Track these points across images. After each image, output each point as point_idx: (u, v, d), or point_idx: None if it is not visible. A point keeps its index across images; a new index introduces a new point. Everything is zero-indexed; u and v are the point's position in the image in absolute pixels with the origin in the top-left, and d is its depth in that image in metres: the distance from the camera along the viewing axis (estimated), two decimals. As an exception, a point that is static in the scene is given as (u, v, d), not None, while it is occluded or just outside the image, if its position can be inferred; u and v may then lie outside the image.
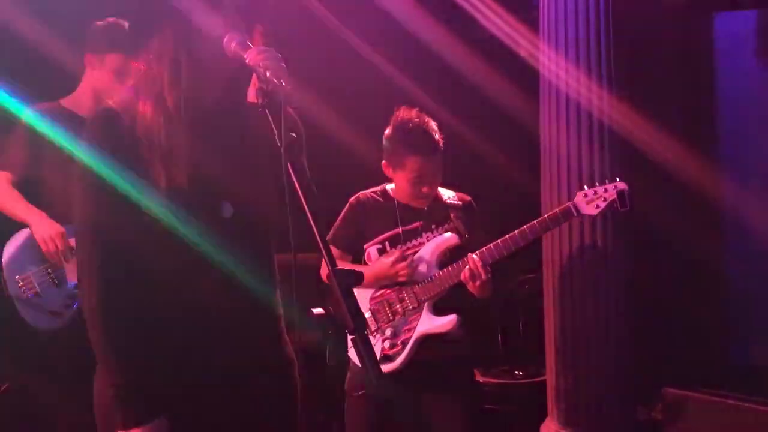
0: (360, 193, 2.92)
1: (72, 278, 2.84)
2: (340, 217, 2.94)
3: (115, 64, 2.92)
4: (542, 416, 3.68)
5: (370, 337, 2.76)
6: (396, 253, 2.77)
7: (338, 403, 2.92)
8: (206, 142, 1.66)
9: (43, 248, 2.77)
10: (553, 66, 3.56)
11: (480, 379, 4.25)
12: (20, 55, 3.61)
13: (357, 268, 2.81)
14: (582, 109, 3.49)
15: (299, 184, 1.41)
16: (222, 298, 1.65)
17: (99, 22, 2.97)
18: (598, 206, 2.64)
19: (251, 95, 1.59)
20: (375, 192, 2.92)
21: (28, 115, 2.90)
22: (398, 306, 2.81)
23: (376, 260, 2.83)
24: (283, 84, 1.44)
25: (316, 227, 1.38)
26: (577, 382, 3.48)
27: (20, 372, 3.21)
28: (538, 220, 2.68)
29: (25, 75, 3.51)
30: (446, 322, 2.74)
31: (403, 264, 2.75)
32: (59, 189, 2.81)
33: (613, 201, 2.63)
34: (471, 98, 5.02)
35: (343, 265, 2.81)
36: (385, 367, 2.76)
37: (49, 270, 2.83)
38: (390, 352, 2.78)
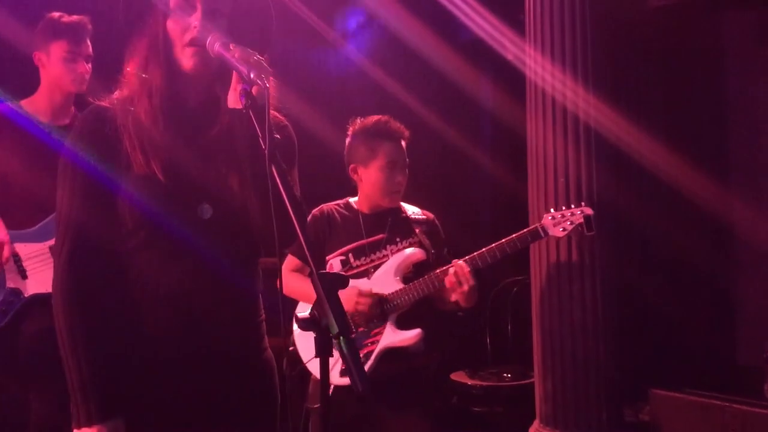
0: (323, 205, 2.92)
1: (10, 284, 2.83)
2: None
3: (61, 53, 2.90)
4: (530, 418, 3.68)
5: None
6: (366, 289, 2.73)
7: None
8: (188, 141, 1.67)
9: None
10: (540, 69, 3.57)
11: (468, 381, 4.25)
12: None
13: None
14: (568, 112, 3.50)
15: (282, 186, 1.40)
16: (196, 299, 1.63)
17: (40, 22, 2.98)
18: (564, 229, 2.71)
19: (231, 101, 1.59)
20: (338, 204, 2.92)
21: None
22: (361, 317, 2.76)
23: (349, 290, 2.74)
24: (267, 85, 1.43)
25: (299, 229, 1.37)
26: (565, 384, 3.49)
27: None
28: (507, 239, 2.70)
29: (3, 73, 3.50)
30: (411, 336, 2.73)
31: (368, 301, 2.71)
32: (11, 192, 2.84)
33: (579, 225, 2.71)
34: (458, 101, 5.03)
35: (298, 274, 2.85)
36: (347, 380, 2.70)
37: None
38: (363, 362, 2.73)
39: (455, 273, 2.62)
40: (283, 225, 1.39)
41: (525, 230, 2.73)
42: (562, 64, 3.51)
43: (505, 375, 4.29)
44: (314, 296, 2.71)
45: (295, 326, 2.89)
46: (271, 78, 1.50)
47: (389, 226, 2.83)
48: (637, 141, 3.99)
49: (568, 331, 3.48)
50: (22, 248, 2.84)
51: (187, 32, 1.62)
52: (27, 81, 3.07)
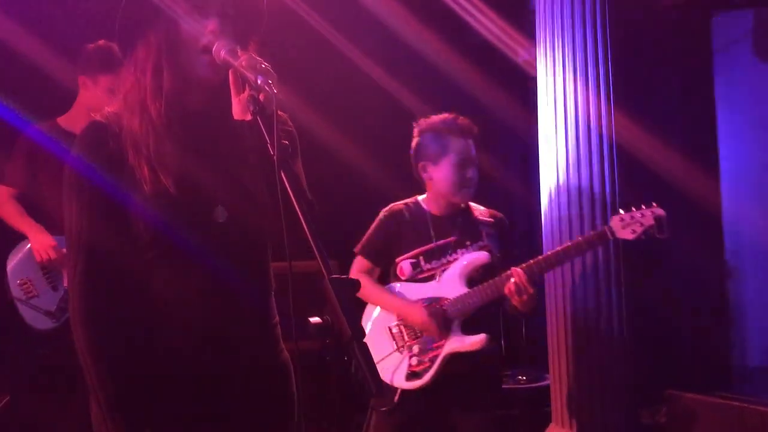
0: (392, 204, 2.92)
1: (67, 282, 2.92)
2: (371, 228, 2.93)
3: (107, 84, 3.08)
4: (545, 421, 3.66)
5: (397, 354, 2.79)
6: (438, 312, 2.73)
7: (336, 411, 2.92)
8: (196, 148, 1.65)
9: (37, 258, 3.10)
10: (550, 74, 3.54)
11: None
12: (20, 73, 3.68)
13: (387, 297, 2.83)
14: (579, 117, 3.46)
15: (293, 191, 1.40)
16: (215, 306, 1.63)
17: (90, 46, 3.16)
18: (634, 231, 2.62)
19: (236, 110, 1.57)
20: (407, 203, 2.91)
21: (27, 133, 3.18)
22: None
23: (411, 302, 2.79)
24: (275, 91, 1.43)
25: (310, 234, 1.37)
26: (580, 386, 3.46)
27: (20, 384, 3.30)
28: (573, 242, 2.68)
29: (25, 93, 3.59)
30: (476, 341, 2.72)
31: (435, 324, 2.71)
32: (55, 203, 2.87)
33: (650, 227, 2.61)
34: (468, 108, 5.01)
35: (368, 277, 2.86)
36: (413, 384, 2.73)
37: (47, 275, 3.15)
38: (418, 369, 2.75)
39: (515, 282, 2.61)
40: (293, 229, 1.39)
41: (592, 233, 2.68)
42: (573, 69, 3.48)
43: (519, 377, 4.26)
44: (384, 301, 2.84)
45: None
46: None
47: (459, 229, 2.83)
48: (650, 146, 3.94)
49: (583, 332, 3.46)
50: None
51: (202, 38, 1.59)
52: (49, 101, 3.20)
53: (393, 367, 2.76)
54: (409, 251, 2.83)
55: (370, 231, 2.93)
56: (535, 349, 4.13)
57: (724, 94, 4.47)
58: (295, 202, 1.39)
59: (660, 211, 2.62)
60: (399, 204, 2.91)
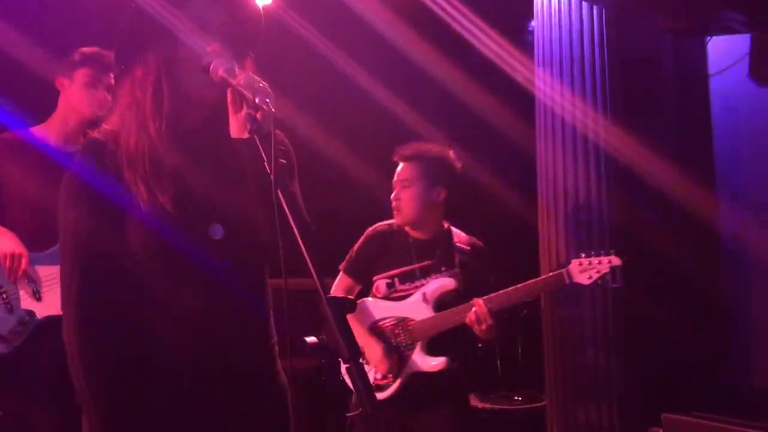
0: (377, 224, 3.02)
1: (25, 305, 2.85)
2: (355, 246, 3.03)
3: (84, 79, 2.97)
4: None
5: (365, 365, 2.88)
6: (393, 351, 2.87)
7: (331, 429, 2.95)
8: (193, 165, 1.65)
9: (4, 264, 2.77)
10: (549, 90, 3.57)
11: (478, 404, 4.21)
12: (11, 78, 3.66)
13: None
14: (578, 133, 3.49)
15: (289, 210, 1.39)
16: (212, 324, 1.62)
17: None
18: (590, 277, 2.70)
19: (233, 129, 1.57)
20: (391, 224, 3.01)
21: None
22: (393, 340, 2.91)
23: (370, 339, 2.90)
24: (272, 110, 1.43)
25: (307, 253, 1.36)
26: (577, 407, 3.45)
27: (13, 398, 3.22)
28: (530, 283, 2.77)
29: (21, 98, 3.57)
30: (437, 363, 2.85)
31: (386, 365, 2.85)
32: (19, 216, 2.90)
33: (605, 274, 2.69)
34: (467, 124, 5.02)
35: (339, 294, 2.96)
36: (378, 395, 2.85)
37: (2, 295, 2.83)
38: (381, 383, 2.89)
39: (475, 312, 2.71)
40: (289, 248, 1.38)
41: (550, 274, 2.78)
42: (570, 84, 3.52)
43: (515, 398, 4.24)
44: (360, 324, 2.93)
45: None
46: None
47: (438, 254, 2.92)
48: (647, 161, 3.96)
49: (579, 354, 3.45)
50: (35, 270, 2.87)
51: (203, 57, 1.59)
52: (40, 107, 3.14)
53: None
54: (388, 271, 2.95)
55: (354, 249, 3.04)
56: (532, 370, 4.11)
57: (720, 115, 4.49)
58: (291, 220, 1.39)
59: (616, 261, 2.70)
60: (384, 224, 3.01)
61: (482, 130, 5.26)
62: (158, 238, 1.58)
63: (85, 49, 3.03)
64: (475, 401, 4.26)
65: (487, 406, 4.17)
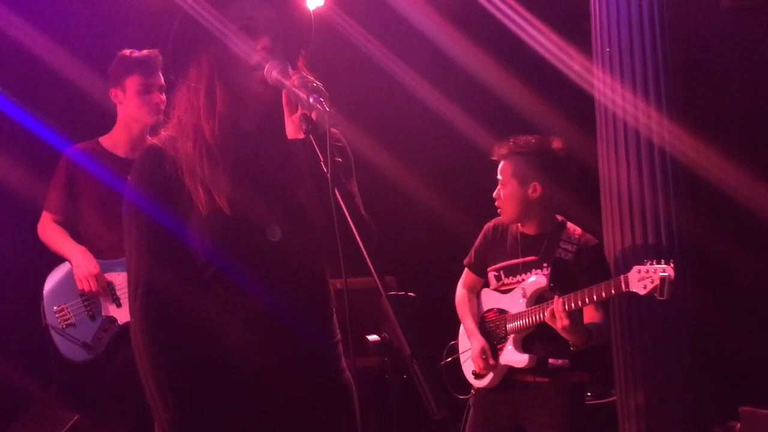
0: (496, 219, 3.03)
1: (106, 312, 2.95)
2: (476, 241, 3.10)
3: (135, 86, 3.02)
4: (613, 438, 3.56)
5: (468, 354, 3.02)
6: (486, 350, 2.90)
7: (398, 427, 2.93)
8: (250, 167, 1.66)
9: (80, 286, 2.90)
10: (609, 91, 3.43)
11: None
12: (61, 95, 3.80)
13: (465, 321, 3.08)
14: (641, 138, 3.34)
15: (347, 208, 1.39)
16: (275, 327, 1.63)
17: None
18: (645, 287, 2.58)
19: (289, 131, 1.58)
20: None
21: (67, 155, 3.07)
22: (492, 332, 2.97)
23: (476, 334, 2.98)
24: (327, 108, 1.43)
25: (366, 251, 1.36)
26: (649, 402, 3.36)
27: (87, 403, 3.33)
28: (595, 287, 2.65)
29: (68, 115, 3.68)
30: (521, 359, 2.82)
31: (480, 360, 2.90)
32: (98, 228, 2.99)
33: (655, 287, 2.55)
34: (522, 127, 4.92)
35: (468, 293, 3.09)
36: (477, 383, 2.97)
37: (86, 302, 2.95)
38: (480, 372, 2.96)
39: (550, 309, 2.66)
40: (348, 247, 1.38)
41: (611, 280, 2.66)
42: (632, 84, 3.35)
43: (586, 394, 4.15)
44: (463, 322, 3.07)
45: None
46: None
47: (543, 250, 2.88)
48: (716, 165, 3.77)
49: (651, 347, 3.36)
50: (114, 277, 2.95)
51: (254, 56, 1.61)
52: (98, 123, 3.24)
53: (469, 364, 3.02)
54: (498, 264, 2.98)
55: (475, 244, 3.09)
56: (601, 363, 4.02)
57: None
58: (349, 219, 1.38)
59: (670, 272, 2.54)
60: (500, 218, 3.02)
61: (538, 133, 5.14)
62: (217, 242, 1.60)
63: (128, 55, 3.07)
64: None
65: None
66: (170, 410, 1.56)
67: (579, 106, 4.05)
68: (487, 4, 4.32)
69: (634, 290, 2.58)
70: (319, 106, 1.44)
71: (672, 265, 2.56)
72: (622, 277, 2.63)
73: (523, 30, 4.39)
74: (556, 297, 2.67)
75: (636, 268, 2.61)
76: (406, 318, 1.33)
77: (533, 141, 2.92)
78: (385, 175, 4.65)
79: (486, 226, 3.05)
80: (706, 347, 3.51)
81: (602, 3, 3.50)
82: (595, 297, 2.63)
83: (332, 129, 1.47)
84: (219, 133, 1.64)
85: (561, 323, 2.62)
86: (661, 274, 2.53)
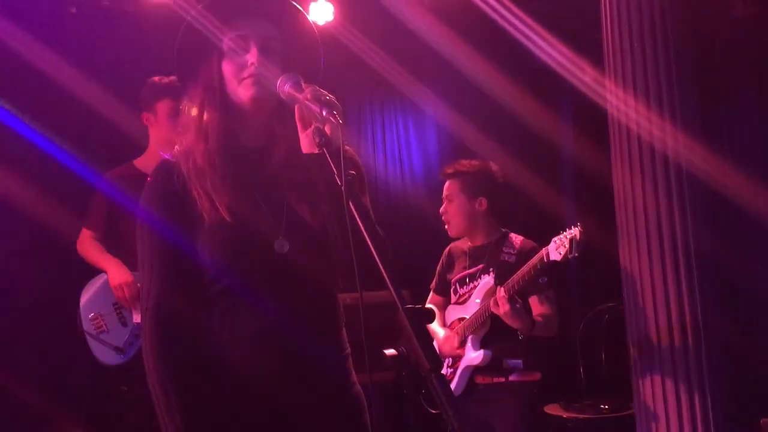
0: (451, 244, 3.32)
1: (137, 318, 3.16)
2: (437, 267, 3.36)
3: (166, 110, 3.24)
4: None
5: None
6: (449, 338, 3.19)
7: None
8: (255, 182, 1.68)
9: (115, 294, 3.16)
10: (622, 105, 3.38)
11: (563, 414, 4.09)
12: (87, 121, 3.92)
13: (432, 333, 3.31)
14: (656, 152, 3.29)
15: (361, 221, 1.38)
16: (282, 340, 1.62)
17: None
18: (561, 253, 2.76)
19: (304, 146, 1.58)
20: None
21: (103, 180, 3.33)
22: (457, 337, 3.18)
23: (439, 335, 3.27)
24: (340, 121, 1.43)
25: (382, 264, 1.34)
26: (668, 416, 3.30)
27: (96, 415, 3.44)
28: (528, 263, 2.88)
29: (97, 140, 3.78)
30: (476, 356, 3.05)
31: (454, 340, 3.15)
32: (132, 241, 3.00)
33: (567, 250, 2.73)
34: (536, 145, 4.90)
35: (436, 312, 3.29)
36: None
37: (118, 311, 3.22)
38: (448, 378, 3.13)
39: (494, 298, 2.89)
40: (363, 261, 1.37)
41: (534, 258, 2.86)
42: (645, 97, 3.27)
43: (602, 406, 4.10)
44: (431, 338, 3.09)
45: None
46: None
47: (487, 257, 3.16)
48: (732, 179, 3.70)
49: (668, 360, 3.31)
50: None
51: (244, 70, 1.65)
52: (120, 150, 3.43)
53: None
54: (454, 278, 3.28)
55: (437, 269, 3.37)
56: (616, 376, 3.98)
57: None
58: (364, 231, 1.37)
59: (574, 232, 2.74)
60: (454, 243, 3.31)
61: (552, 153, 5.11)
62: (223, 253, 1.61)
63: (158, 81, 3.27)
64: (558, 411, 4.15)
65: (572, 415, 4.06)
66: (176, 423, 1.56)
67: (593, 120, 4.01)
68: (497, 17, 4.33)
69: (554, 258, 2.78)
70: (333, 119, 1.43)
71: (579, 226, 2.77)
72: (543, 250, 2.85)
73: (533, 42, 4.38)
74: (498, 287, 2.92)
75: (553, 239, 2.83)
76: (423, 331, 1.32)
77: (476, 163, 3.26)
78: (397, 190, 4.66)
79: (445, 250, 3.34)
80: (726, 360, 3.45)
81: (613, 15, 3.47)
82: (525, 276, 2.84)
83: (346, 146, 1.47)
84: (223, 144, 1.66)
85: (503, 309, 2.83)
86: (569, 236, 2.74)
